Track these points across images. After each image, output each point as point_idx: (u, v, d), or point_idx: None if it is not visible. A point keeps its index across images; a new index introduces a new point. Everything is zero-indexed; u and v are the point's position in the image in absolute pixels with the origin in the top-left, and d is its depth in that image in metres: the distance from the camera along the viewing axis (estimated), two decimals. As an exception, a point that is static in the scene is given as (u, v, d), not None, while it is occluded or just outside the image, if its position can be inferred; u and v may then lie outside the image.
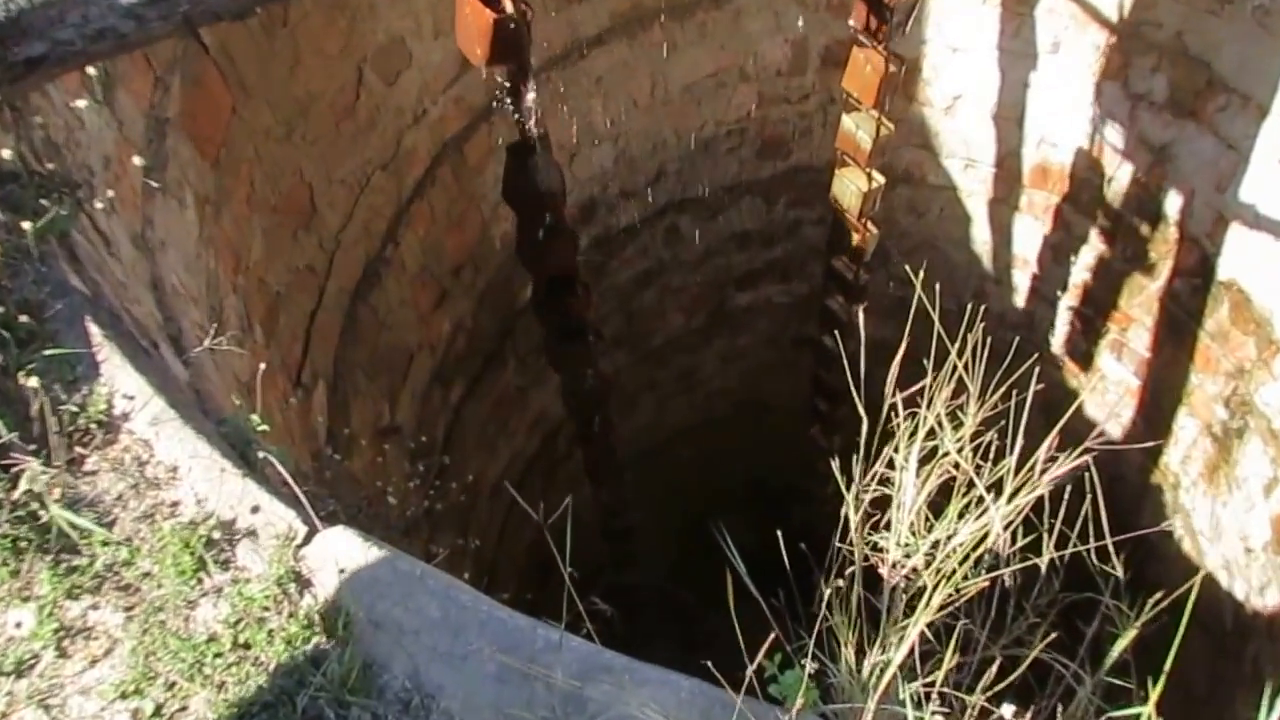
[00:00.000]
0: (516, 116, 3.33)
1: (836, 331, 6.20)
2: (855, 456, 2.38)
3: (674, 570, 8.13)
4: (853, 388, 2.48)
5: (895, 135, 5.19)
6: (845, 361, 6.63)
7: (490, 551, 5.79)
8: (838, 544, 2.37)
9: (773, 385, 8.43)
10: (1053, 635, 2.32)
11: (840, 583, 2.20)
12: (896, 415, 2.39)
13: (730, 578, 2.00)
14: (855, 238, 5.53)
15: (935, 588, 2.12)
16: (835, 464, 2.46)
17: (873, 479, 2.39)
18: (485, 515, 5.62)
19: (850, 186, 5.29)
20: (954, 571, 2.24)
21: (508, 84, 3.27)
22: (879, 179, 5.25)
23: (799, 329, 7.72)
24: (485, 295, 5.10)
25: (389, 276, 4.17)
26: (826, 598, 2.15)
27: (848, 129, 5.06)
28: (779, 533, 2.52)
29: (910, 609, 2.24)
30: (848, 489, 2.40)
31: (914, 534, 2.41)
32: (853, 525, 2.38)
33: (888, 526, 2.44)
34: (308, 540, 2.05)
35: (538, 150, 3.47)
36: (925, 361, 2.42)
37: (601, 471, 5.78)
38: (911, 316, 2.63)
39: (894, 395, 2.36)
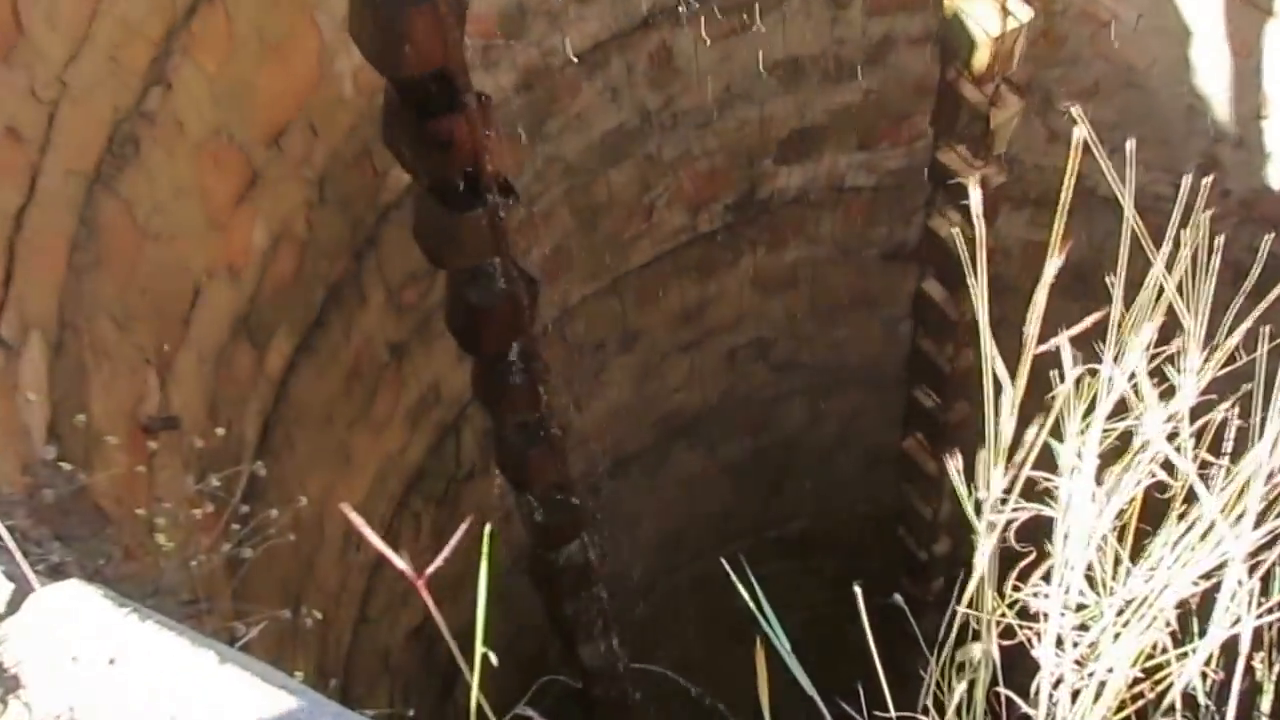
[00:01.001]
0: None
1: (949, 272, 6.22)
2: (984, 453, 2.40)
3: (679, 652, 8.17)
4: (983, 340, 2.50)
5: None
6: (963, 324, 6.65)
7: (345, 632, 5.81)
8: (956, 606, 2.39)
9: (846, 338, 8.46)
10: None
11: (960, 669, 2.23)
12: (1060, 378, 2.41)
13: (764, 659, 2.02)
14: (980, 115, 5.53)
15: (1132, 664, 2.15)
16: (941, 504, 2.48)
17: (1015, 489, 2.41)
18: (334, 569, 5.63)
19: (972, 28, 5.27)
20: (1159, 647, 2.27)
21: None
22: (1022, 12, 5.23)
23: (893, 233, 7.73)
24: (328, 180, 5.08)
25: (155, 147, 4.15)
26: (935, 692, 2.18)
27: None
28: (856, 588, 2.54)
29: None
30: (976, 515, 2.43)
31: (1095, 585, 2.44)
32: (982, 573, 2.41)
33: (1044, 575, 2.46)
34: (14, 608, 2.06)
35: None
36: (1108, 281, 2.43)
37: (520, 453, 5.80)
38: (1067, 203, 2.63)
39: (1050, 340, 2.37)
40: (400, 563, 1.70)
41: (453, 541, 1.78)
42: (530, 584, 6.61)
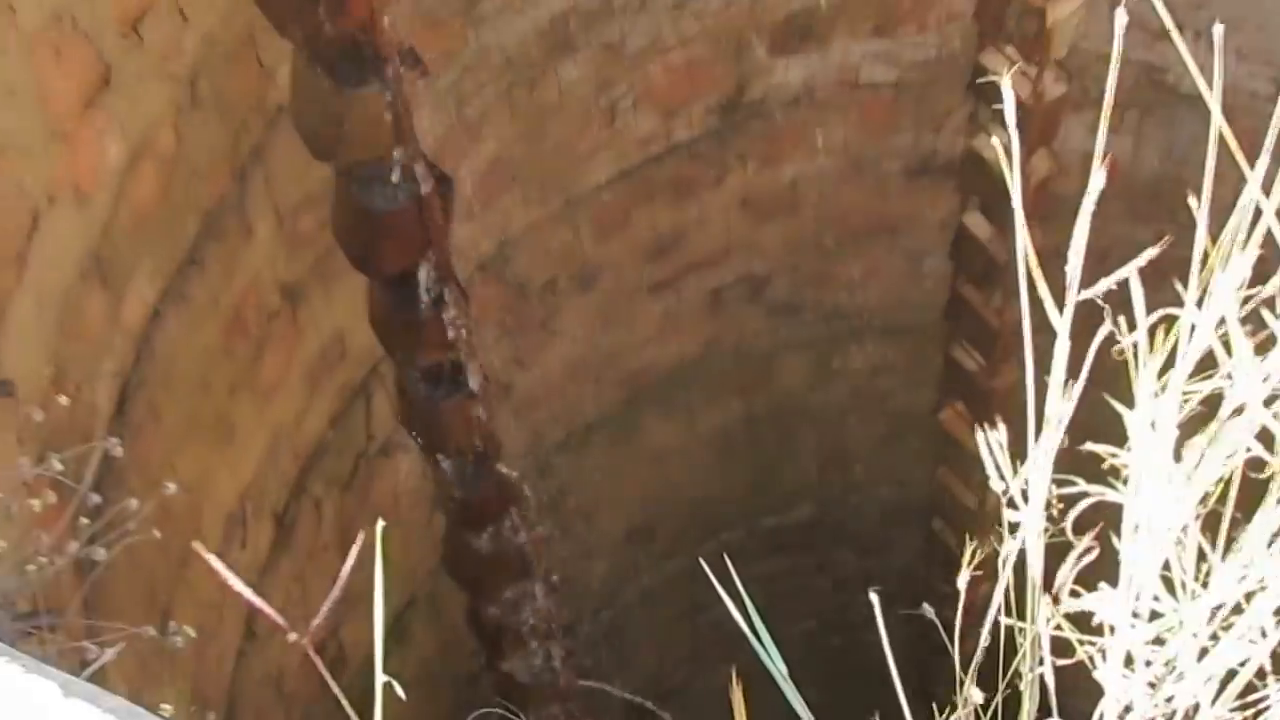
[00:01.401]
0: None
1: (995, 203, 6.23)
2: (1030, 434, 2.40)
3: (650, 672, 8.22)
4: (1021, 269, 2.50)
5: None
6: (1015, 267, 6.64)
7: (228, 651, 5.81)
8: (998, 617, 2.39)
9: (860, 275, 8.47)
10: None
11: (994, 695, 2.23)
12: (1129, 326, 2.40)
13: (745, 688, 2.02)
14: (1033, 9, 5.51)
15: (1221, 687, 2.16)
16: (989, 490, 2.48)
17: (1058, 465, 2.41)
18: (213, 571, 5.62)
19: None
20: (1254, 666, 2.27)
21: None
22: None
23: (919, 142, 7.73)
24: (202, 77, 5.06)
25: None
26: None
27: None
28: (873, 595, 2.55)
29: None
30: (1024, 500, 2.43)
31: (1174, 588, 2.44)
32: (1030, 576, 2.41)
33: (1110, 579, 2.47)
34: None
35: None
36: (1190, 201, 2.43)
37: (430, 405, 5.76)
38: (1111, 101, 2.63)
39: (1107, 277, 2.37)
40: (278, 618, 1.69)
41: (342, 577, 1.76)
42: (449, 573, 6.60)
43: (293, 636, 1.70)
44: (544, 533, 6.95)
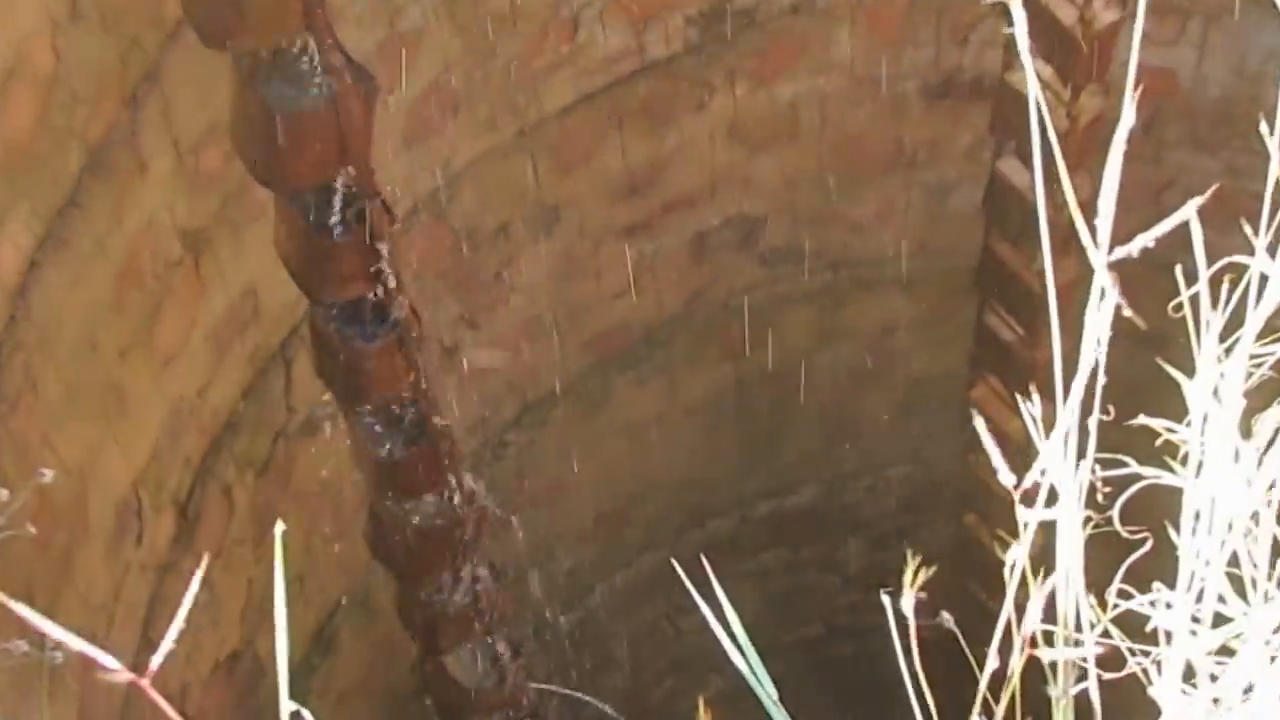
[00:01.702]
0: None
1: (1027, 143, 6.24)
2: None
3: (624, 686, 8.24)
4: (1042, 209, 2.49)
5: None
6: (1060, 221, 6.66)
7: (121, 664, 5.81)
8: (1021, 615, 2.39)
9: (871, 216, 8.48)
10: None
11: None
12: (1187, 279, 2.40)
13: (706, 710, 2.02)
14: None
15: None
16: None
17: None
18: (103, 570, 5.63)
19: None
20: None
21: None
22: None
23: (941, 57, 7.74)
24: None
25: None
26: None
27: None
28: (884, 597, 2.55)
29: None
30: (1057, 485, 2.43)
31: (1242, 588, 2.44)
32: (1069, 575, 2.40)
33: (1167, 578, 2.47)
34: None
35: None
36: (1263, 128, 2.42)
37: (346, 346, 5.75)
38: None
39: (1160, 225, 2.36)
40: (110, 660, 1.68)
41: (179, 621, 1.74)
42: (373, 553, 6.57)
43: (124, 671, 1.67)
44: (487, 502, 6.91)
